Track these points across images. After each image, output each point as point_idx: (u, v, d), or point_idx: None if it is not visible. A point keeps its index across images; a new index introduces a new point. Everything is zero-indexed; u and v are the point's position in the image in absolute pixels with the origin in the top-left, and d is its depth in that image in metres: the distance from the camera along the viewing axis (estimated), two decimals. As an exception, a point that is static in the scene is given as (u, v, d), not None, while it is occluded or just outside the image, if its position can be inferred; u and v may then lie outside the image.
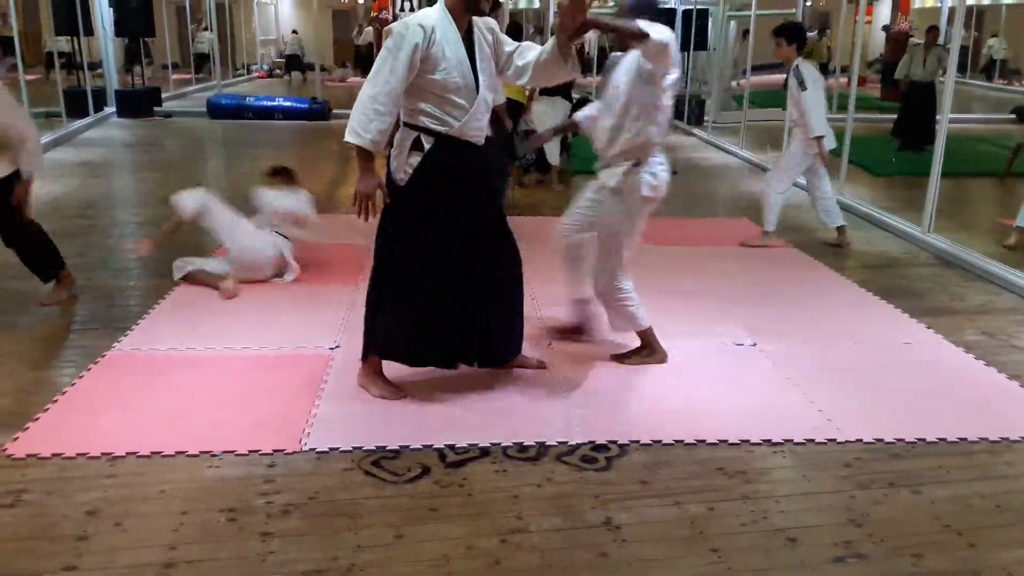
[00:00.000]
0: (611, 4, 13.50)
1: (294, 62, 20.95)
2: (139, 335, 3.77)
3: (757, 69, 12.20)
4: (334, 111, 12.67)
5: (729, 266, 5.16)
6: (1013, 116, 13.19)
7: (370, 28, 17.89)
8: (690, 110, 12.29)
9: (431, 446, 2.82)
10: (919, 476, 2.72)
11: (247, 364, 3.49)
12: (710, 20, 12.38)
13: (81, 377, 3.30)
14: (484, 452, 2.81)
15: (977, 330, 4.10)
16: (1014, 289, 4.72)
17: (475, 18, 2.98)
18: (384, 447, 2.80)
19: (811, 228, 6.16)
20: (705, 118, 12.12)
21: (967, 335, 4.01)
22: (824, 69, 14.66)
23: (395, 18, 7.19)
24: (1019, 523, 2.48)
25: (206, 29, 17.79)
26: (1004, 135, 11.01)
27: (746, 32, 12.21)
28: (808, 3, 12.06)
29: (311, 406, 3.09)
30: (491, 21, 3.07)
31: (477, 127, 2.97)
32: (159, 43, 15.43)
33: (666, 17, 11.78)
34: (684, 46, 11.57)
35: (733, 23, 12.62)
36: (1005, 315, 4.36)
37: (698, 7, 12.05)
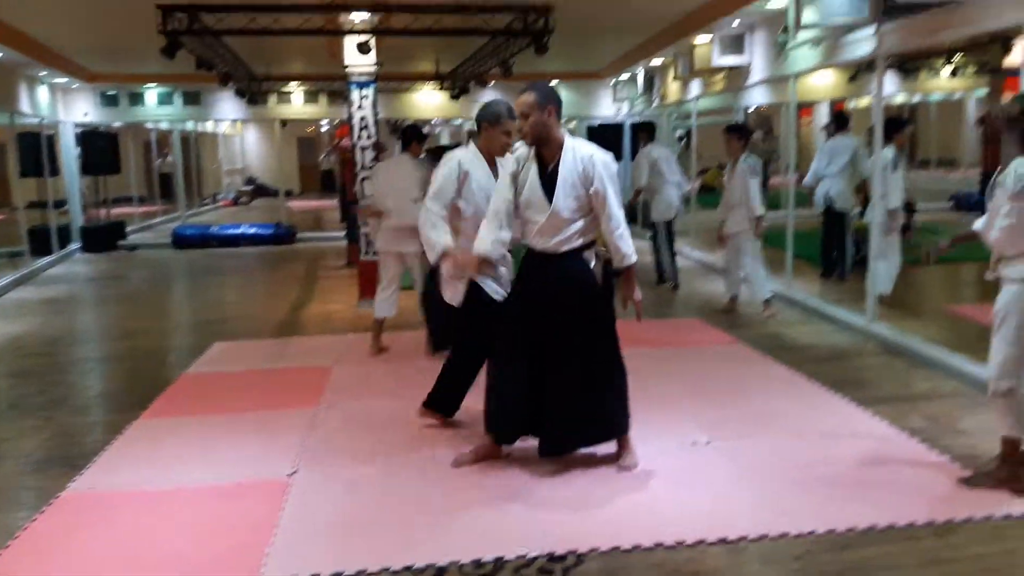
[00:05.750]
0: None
1: (262, 190, 21.46)
2: (95, 473, 3.75)
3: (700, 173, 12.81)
4: (298, 235, 12.96)
5: (683, 365, 5.29)
6: (951, 204, 13.82)
7: (334, 155, 18.51)
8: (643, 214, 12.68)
9: (388, 568, 2.82)
10: (867, 565, 2.78)
11: (204, 497, 3.48)
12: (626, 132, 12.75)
13: (34, 520, 3.26)
14: (440, 572, 2.81)
15: (922, 416, 4.22)
16: (956, 375, 4.86)
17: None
18: (341, 573, 2.80)
19: (759, 324, 6.34)
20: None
21: (913, 421, 4.13)
22: (766, 166, 15.19)
23: (354, 146, 7.58)
24: (967, 607, 2.53)
25: (167, 155, 18.34)
26: (945, 222, 11.51)
27: (682, 138, 12.91)
28: (750, 111, 12.68)
29: (269, 535, 3.08)
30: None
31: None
32: (123, 179, 15.67)
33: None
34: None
35: (678, 131, 13.27)
36: (949, 399, 4.50)
37: (637, 119, 12.59)
